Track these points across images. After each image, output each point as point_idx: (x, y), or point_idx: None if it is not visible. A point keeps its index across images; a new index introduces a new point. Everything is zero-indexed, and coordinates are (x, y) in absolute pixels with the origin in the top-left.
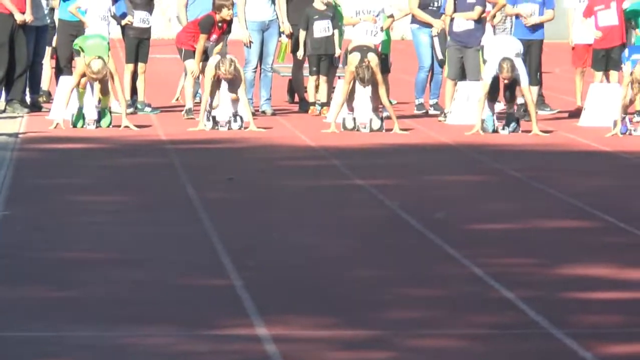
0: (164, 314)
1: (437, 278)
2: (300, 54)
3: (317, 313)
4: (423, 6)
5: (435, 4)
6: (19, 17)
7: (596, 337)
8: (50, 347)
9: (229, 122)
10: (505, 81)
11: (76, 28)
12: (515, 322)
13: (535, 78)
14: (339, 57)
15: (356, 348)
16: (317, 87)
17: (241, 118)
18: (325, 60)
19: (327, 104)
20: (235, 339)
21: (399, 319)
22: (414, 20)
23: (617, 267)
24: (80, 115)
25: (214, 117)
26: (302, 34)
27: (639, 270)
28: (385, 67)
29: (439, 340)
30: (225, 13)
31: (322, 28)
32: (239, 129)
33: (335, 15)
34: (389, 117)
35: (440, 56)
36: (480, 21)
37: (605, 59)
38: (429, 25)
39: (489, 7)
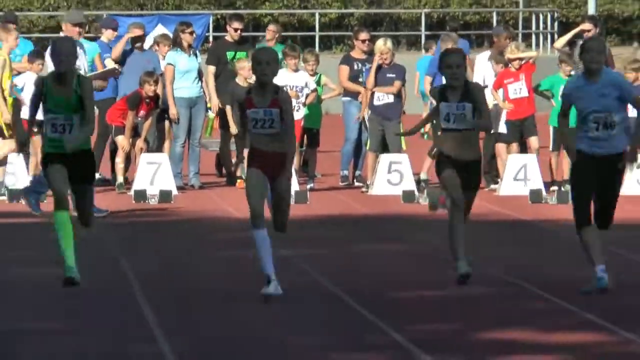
0: None
1: (359, 345)
2: (233, 130)
3: None
4: (352, 79)
5: (364, 76)
6: None
7: None
8: None
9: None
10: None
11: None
12: None
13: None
14: None
15: None
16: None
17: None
18: None
19: None
20: None
21: None
22: (346, 93)
23: (535, 331)
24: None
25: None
26: (228, 110)
27: (555, 334)
28: (315, 141)
29: None
30: (147, 89)
31: None
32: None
33: None
34: (313, 189)
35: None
36: (399, 95)
37: (520, 128)
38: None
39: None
